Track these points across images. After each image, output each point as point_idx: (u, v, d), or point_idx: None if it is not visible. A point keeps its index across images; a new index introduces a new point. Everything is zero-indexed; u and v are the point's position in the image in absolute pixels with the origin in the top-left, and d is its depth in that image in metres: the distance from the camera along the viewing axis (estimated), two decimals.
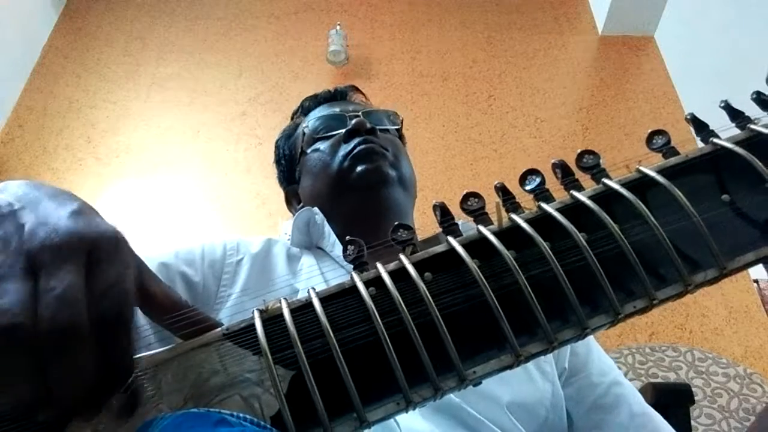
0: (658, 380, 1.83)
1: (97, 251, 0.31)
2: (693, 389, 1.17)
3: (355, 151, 0.85)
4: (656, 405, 1.12)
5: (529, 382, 0.72)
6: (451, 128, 2.51)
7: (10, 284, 0.28)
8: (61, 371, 0.28)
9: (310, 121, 0.94)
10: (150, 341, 0.60)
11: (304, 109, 1.01)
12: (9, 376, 0.27)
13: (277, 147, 1.03)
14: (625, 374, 1.86)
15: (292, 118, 1.03)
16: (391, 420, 0.52)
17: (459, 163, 2.40)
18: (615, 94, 2.61)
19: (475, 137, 2.49)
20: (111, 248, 0.32)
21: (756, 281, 2.11)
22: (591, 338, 0.83)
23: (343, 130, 0.88)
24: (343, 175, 0.85)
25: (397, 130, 0.96)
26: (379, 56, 2.74)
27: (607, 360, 0.82)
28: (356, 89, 1.04)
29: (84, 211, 0.33)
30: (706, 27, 2.47)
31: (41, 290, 0.29)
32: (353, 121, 0.88)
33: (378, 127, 0.89)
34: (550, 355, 0.75)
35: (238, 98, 2.61)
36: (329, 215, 0.85)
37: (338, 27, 2.69)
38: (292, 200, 0.99)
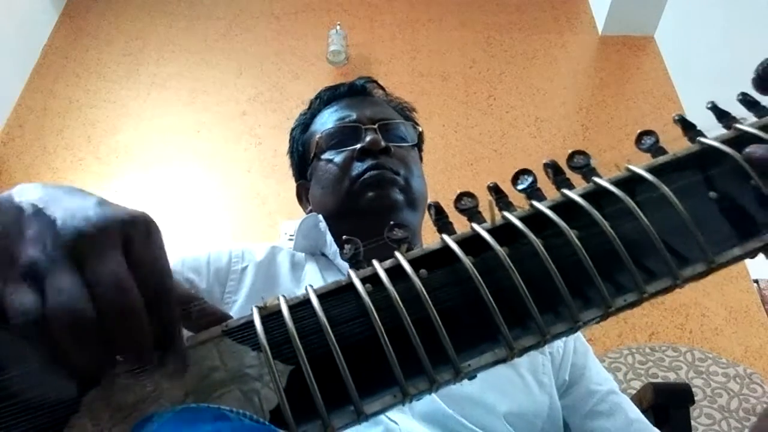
0: (658, 380, 1.84)
1: (130, 234, 0.33)
2: (693, 389, 1.17)
3: (366, 176, 0.84)
4: (656, 405, 1.13)
5: (527, 393, 0.73)
6: (451, 128, 2.51)
7: (61, 279, 0.30)
8: (127, 343, 0.31)
9: (326, 125, 0.93)
10: None
11: (322, 101, 0.99)
12: (82, 357, 0.30)
13: (292, 138, 1.02)
14: (625, 374, 1.86)
15: (309, 106, 1.01)
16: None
17: (459, 163, 2.40)
18: (615, 94, 2.61)
19: (475, 137, 2.49)
20: (143, 230, 0.34)
21: (756, 281, 2.12)
22: (588, 350, 0.85)
23: (357, 146, 0.87)
24: (351, 198, 0.84)
25: (414, 144, 0.94)
26: (379, 56, 2.74)
27: (603, 371, 0.84)
28: (376, 83, 1.02)
29: (106, 201, 0.35)
30: (706, 27, 2.48)
31: (92, 280, 0.31)
32: (367, 140, 0.86)
33: (392, 145, 0.88)
34: (549, 367, 0.77)
35: (238, 98, 2.61)
36: (334, 231, 0.85)
37: (338, 27, 2.70)
38: (303, 196, 0.99)
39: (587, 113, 2.55)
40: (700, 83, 2.48)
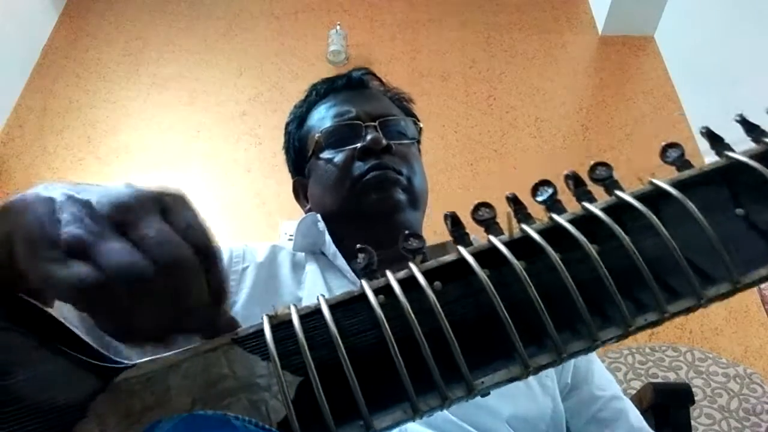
0: (658, 380, 1.84)
1: (165, 201, 0.33)
2: (693, 389, 1.17)
3: (368, 176, 0.82)
4: (656, 405, 1.13)
5: (530, 397, 0.73)
6: (451, 128, 2.51)
7: (108, 244, 0.30)
8: (189, 296, 0.31)
9: (324, 121, 0.90)
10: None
11: (318, 94, 0.97)
12: (147, 314, 0.30)
13: (287, 132, 0.99)
14: (625, 374, 1.86)
15: (305, 99, 0.99)
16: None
17: (459, 163, 2.40)
18: (615, 94, 2.61)
19: (475, 137, 2.49)
20: (176, 199, 0.34)
21: None
22: (592, 353, 0.84)
23: (358, 145, 0.85)
24: (353, 199, 0.83)
25: (414, 139, 0.93)
26: (379, 56, 2.74)
27: (607, 375, 0.83)
28: (373, 75, 0.99)
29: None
30: (706, 27, 2.47)
31: (139, 241, 0.30)
32: (369, 138, 0.84)
33: (393, 142, 0.86)
34: (551, 370, 0.76)
35: (238, 98, 2.61)
36: (335, 232, 0.84)
37: (338, 27, 2.70)
38: (300, 193, 0.97)
39: (587, 113, 2.55)
40: (700, 83, 2.48)
